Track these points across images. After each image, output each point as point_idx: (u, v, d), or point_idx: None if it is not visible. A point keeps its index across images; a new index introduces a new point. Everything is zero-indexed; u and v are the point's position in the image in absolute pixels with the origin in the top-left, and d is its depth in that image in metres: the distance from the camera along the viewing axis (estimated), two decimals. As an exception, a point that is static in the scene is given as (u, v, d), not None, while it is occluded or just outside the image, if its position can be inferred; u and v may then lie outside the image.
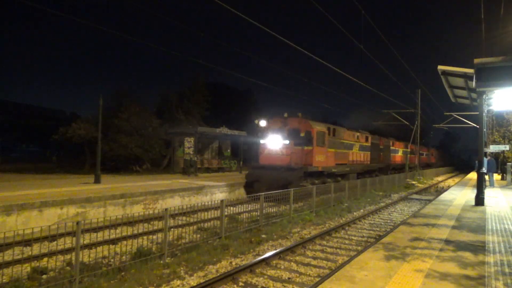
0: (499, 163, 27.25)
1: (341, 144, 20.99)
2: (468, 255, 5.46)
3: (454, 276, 4.52)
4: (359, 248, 8.61)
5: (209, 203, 12.84)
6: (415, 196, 20.48)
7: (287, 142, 17.30)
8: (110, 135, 23.25)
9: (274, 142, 17.67)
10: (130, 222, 9.49)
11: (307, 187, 14.13)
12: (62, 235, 8.42)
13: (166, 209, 7.62)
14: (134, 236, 8.87)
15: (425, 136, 58.13)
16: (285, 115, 18.20)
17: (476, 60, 9.26)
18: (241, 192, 17.53)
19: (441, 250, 5.76)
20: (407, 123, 34.51)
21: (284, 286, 6.11)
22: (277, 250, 7.81)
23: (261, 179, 16.43)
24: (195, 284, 5.92)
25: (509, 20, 14.22)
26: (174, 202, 13.67)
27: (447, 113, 28.44)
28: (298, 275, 6.65)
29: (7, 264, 6.68)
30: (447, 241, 6.33)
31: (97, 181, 15.61)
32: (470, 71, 10.21)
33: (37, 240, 8.06)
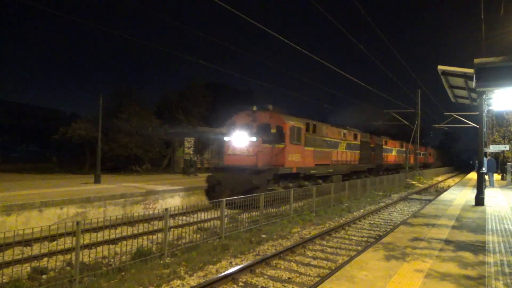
0: (499, 163, 27.26)
1: (323, 142, 18.81)
2: (468, 255, 5.46)
3: (454, 276, 4.53)
4: (359, 248, 8.61)
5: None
6: (415, 196, 20.48)
7: (254, 139, 14.67)
8: (110, 135, 23.24)
9: (240, 140, 15.01)
10: (130, 222, 9.50)
11: (278, 191, 12.41)
12: (62, 235, 8.41)
13: (166, 209, 7.65)
14: (134, 236, 8.89)
15: (425, 136, 58.19)
16: (254, 108, 15.76)
17: (476, 60, 9.26)
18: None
19: (441, 250, 5.76)
20: (407, 123, 34.47)
21: (284, 286, 6.11)
22: (277, 251, 7.81)
23: (223, 182, 14.07)
24: (195, 284, 5.93)
25: (509, 20, 14.22)
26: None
27: (447, 113, 28.41)
28: (298, 275, 6.65)
29: (7, 264, 6.67)
30: (447, 241, 6.33)
31: (97, 181, 15.62)
32: (470, 71, 10.21)
33: (37, 240, 8.06)
